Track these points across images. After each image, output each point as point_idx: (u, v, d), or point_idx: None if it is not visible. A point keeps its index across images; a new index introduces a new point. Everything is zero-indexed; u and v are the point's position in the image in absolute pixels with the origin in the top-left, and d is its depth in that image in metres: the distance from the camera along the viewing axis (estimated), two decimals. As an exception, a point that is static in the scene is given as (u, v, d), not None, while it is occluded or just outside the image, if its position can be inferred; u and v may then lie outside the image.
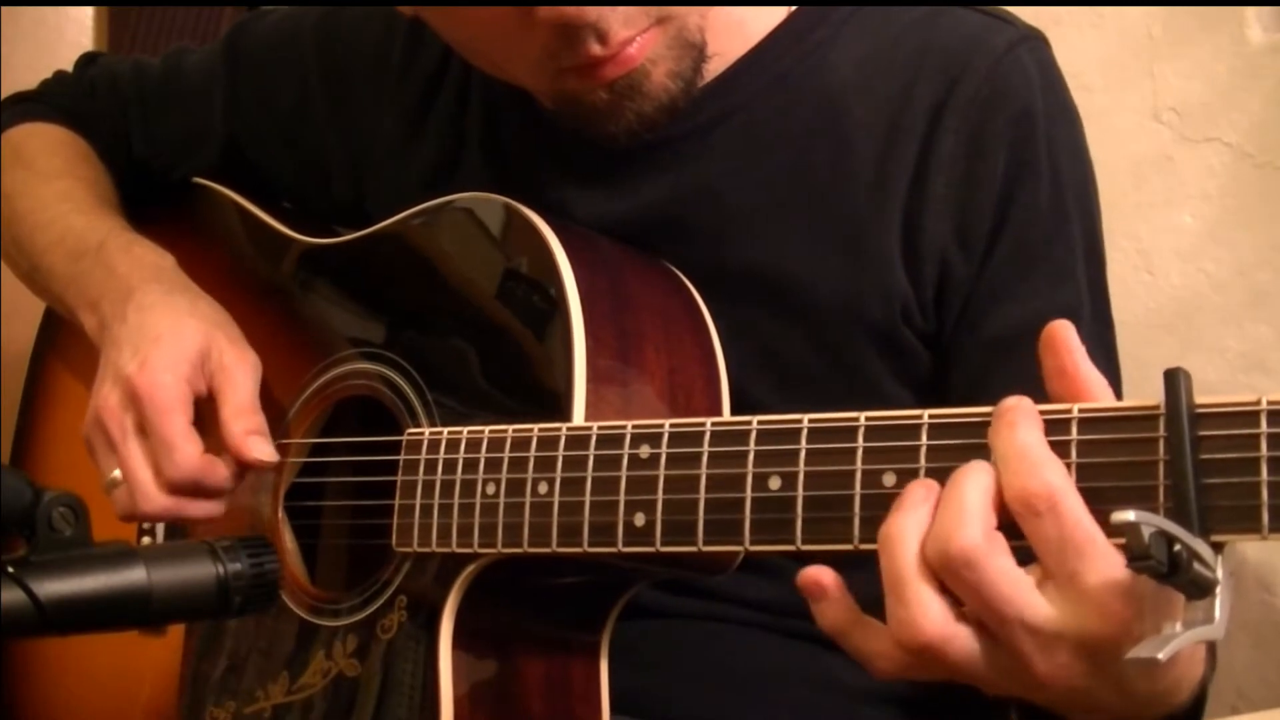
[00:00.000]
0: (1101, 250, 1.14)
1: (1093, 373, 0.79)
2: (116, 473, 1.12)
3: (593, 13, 0.99)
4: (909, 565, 0.76)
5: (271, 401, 1.16)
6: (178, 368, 1.12)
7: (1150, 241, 1.56)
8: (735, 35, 1.14)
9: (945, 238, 1.09)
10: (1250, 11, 1.51)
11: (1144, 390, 0.77)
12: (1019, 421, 0.76)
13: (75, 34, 2.06)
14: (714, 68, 1.12)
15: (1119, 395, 1.08)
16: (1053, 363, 0.80)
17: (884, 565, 0.77)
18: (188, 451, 1.09)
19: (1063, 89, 1.13)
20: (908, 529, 0.77)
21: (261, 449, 1.11)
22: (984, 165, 1.08)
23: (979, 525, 0.75)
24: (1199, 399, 0.73)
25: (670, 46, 1.05)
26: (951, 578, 0.76)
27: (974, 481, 0.76)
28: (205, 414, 1.13)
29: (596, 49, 1.01)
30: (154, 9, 2.13)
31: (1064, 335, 0.79)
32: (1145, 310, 1.55)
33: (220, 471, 1.11)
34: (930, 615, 0.76)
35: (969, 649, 0.77)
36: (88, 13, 2.08)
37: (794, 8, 1.15)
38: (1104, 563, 0.74)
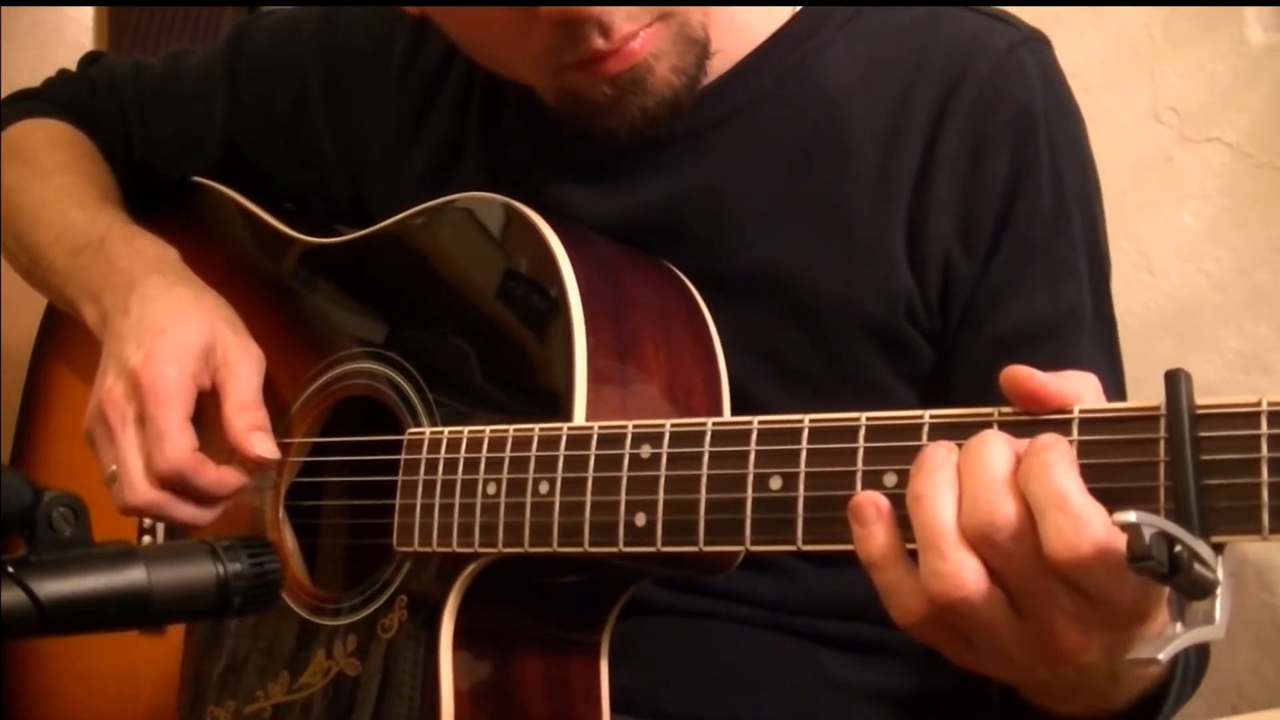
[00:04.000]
0: (1104, 250, 1.14)
1: (1064, 381, 0.79)
2: (115, 466, 1.11)
3: (596, 9, 0.99)
4: (948, 522, 0.76)
5: (273, 400, 1.16)
6: (182, 360, 1.11)
7: (1150, 241, 1.56)
8: (738, 36, 1.14)
9: (949, 239, 1.09)
10: (1250, 11, 1.51)
11: (1144, 390, 0.77)
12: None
13: (75, 34, 2.07)
14: (716, 68, 1.12)
15: (1122, 396, 1.09)
16: (1039, 409, 0.79)
17: (918, 524, 0.77)
18: (177, 443, 1.08)
19: (1065, 90, 1.13)
20: (939, 487, 0.76)
21: (264, 445, 1.11)
22: (986, 166, 1.08)
23: (1019, 496, 0.75)
24: (1199, 399, 0.73)
25: (673, 42, 1.05)
26: (991, 549, 0.75)
27: (997, 452, 0.76)
28: (208, 409, 1.13)
29: (600, 43, 1.01)
30: (154, 9, 2.13)
31: (1029, 381, 0.79)
32: (1145, 310, 1.55)
33: (209, 472, 1.10)
34: (970, 572, 0.75)
35: (998, 613, 0.77)
36: (88, 13, 2.09)
37: (796, 9, 1.15)
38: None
